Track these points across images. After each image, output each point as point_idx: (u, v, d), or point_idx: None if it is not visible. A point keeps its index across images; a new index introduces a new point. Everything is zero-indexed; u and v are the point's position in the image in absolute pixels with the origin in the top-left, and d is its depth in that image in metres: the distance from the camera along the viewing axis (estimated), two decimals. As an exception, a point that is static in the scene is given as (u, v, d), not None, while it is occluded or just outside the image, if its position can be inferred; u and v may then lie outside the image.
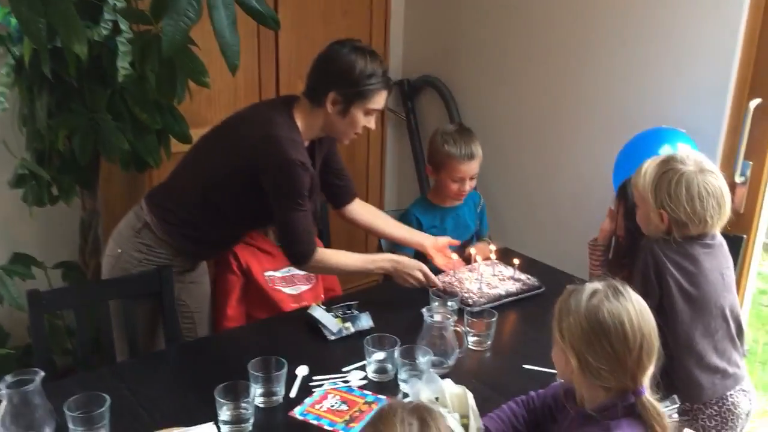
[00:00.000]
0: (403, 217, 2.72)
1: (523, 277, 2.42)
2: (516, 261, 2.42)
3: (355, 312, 2.10)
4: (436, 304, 2.11)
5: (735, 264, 2.41)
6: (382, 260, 2.23)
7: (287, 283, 2.35)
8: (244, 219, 2.13)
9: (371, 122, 2.09)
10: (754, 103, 2.43)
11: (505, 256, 2.55)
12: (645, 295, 1.83)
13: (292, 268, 2.37)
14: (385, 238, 2.58)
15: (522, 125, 3.19)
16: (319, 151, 2.19)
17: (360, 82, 1.98)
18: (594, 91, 2.88)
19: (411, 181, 3.69)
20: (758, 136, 2.48)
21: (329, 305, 2.12)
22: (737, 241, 2.42)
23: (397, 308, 2.20)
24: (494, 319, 2.03)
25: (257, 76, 2.75)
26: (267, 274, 2.32)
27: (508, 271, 2.45)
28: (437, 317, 1.92)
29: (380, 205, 3.33)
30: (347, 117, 2.02)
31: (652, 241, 1.88)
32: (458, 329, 1.95)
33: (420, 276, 2.21)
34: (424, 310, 1.94)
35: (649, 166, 1.90)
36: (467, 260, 2.50)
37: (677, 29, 2.57)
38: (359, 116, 2.03)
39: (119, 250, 2.10)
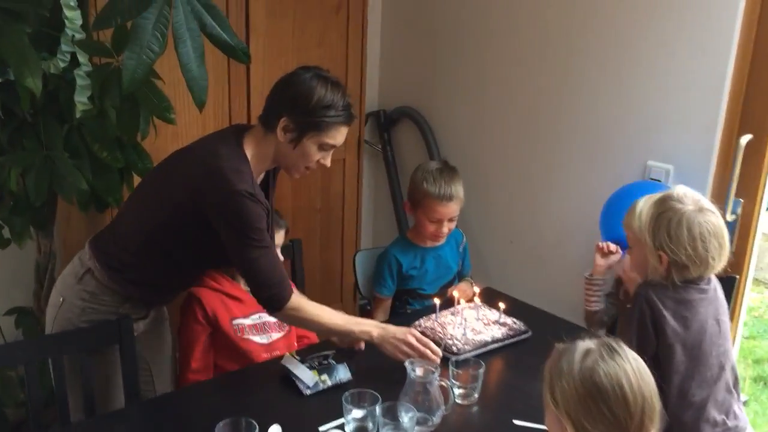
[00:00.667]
0: (382, 258, 2.60)
1: (509, 320, 2.30)
2: (501, 305, 2.30)
3: (333, 363, 1.95)
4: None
5: (728, 305, 2.33)
6: (368, 324, 2.01)
7: (258, 331, 2.20)
8: (194, 262, 1.97)
9: (326, 159, 1.93)
10: (745, 139, 2.35)
11: (489, 297, 2.43)
12: (641, 346, 1.73)
13: (263, 314, 2.22)
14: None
15: (504, 159, 3.09)
16: (273, 183, 2.05)
17: (316, 111, 1.82)
18: (579, 125, 2.79)
19: (387, 217, 3.56)
20: (749, 173, 2.40)
21: (304, 355, 1.97)
22: (730, 281, 2.33)
23: (378, 358, 2.05)
24: (482, 370, 1.90)
25: (227, 109, 2.62)
26: (235, 322, 2.16)
27: (493, 315, 2.33)
28: (419, 371, 1.78)
29: (355, 243, 3.19)
30: (299, 148, 1.85)
31: (647, 287, 1.77)
32: (443, 383, 1.81)
33: (413, 342, 1.95)
34: (407, 362, 1.80)
35: (644, 205, 1.80)
36: (449, 303, 2.37)
37: (665, 63, 2.48)
38: (312, 149, 1.86)
39: (61, 299, 1.94)
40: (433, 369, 1.78)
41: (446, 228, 2.51)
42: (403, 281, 2.58)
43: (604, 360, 1.29)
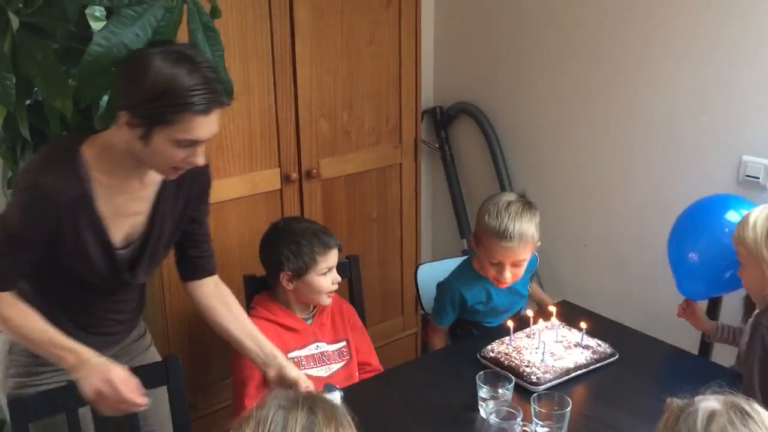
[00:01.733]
0: (444, 289, 2.29)
1: (593, 342, 2.06)
2: (583, 324, 2.06)
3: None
4: (485, 389, 1.76)
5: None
6: (65, 349, 1.52)
7: (316, 363, 2.02)
8: (66, 288, 1.63)
9: (195, 156, 1.49)
10: None
11: (567, 314, 2.19)
12: (766, 384, 1.48)
13: (320, 343, 2.04)
14: (225, 337, 1.82)
15: (575, 156, 2.83)
16: (174, 195, 1.64)
17: (154, 99, 1.39)
18: (661, 117, 2.51)
19: (447, 222, 3.34)
20: None
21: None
22: None
23: (433, 390, 1.88)
24: (569, 408, 1.67)
25: (275, 116, 2.43)
26: (291, 354, 1.98)
27: (574, 336, 2.09)
28: (498, 415, 1.56)
29: (416, 252, 2.98)
30: (150, 145, 1.44)
31: (762, 314, 1.51)
32: (527, 429, 1.59)
33: (117, 382, 1.48)
34: (483, 406, 1.59)
35: (759, 215, 1.53)
36: (523, 323, 2.14)
37: (758, 44, 2.19)
38: (166, 146, 1.44)
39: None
40: (516, 412, 1.56)
41: (509, 273, 2.13)
42: (466, 313, 2.31)
43: (734, 427, 1.05)
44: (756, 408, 1.08)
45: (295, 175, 2.52)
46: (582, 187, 2.82)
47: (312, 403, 1.09)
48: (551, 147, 2.90)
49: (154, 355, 1.88)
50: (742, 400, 1.09)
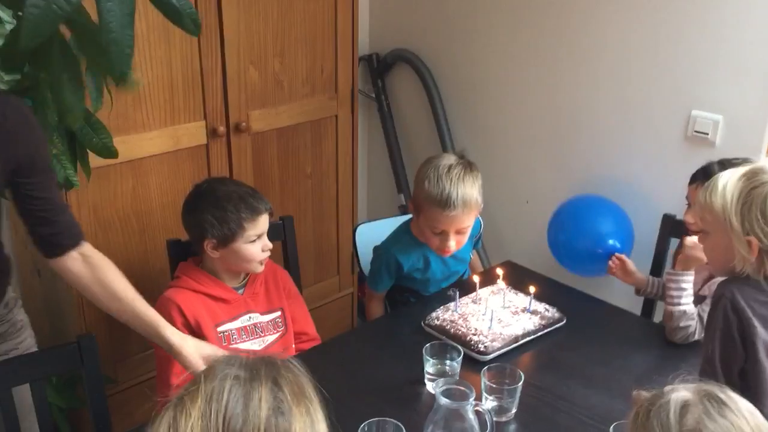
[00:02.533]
0: (380, 255, 2.15)
1: (540, 308, 1.98)
2: (532, 288, 1.97)
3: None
4: (432, 362, 1.67)
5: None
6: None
7: (249, 335, 1.86)
8: None
9: None
10: (814, 84, 1.99)
11: (513, 278, 2.09)
12: (726, 361, 1.41)
13: (253, 314, 1.88)
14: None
15: (519, 108, 2.71)
16: None
17: None
18: (609, 69, 2.41)
19: (385, 178, 3.20)
20: (815, 123, 2.06)
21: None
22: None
23: (376, 363, 1.78)
24: (521, 383, 1.59)
25: (198, 65, 2.21)
26: (222, 327, 1.82)
27: (521, 301, 2.01)
28: (450, 396, 1.45)
29: (352, 210, 2.84)
30: None
31: (731, 287, 1.43)
32: (480, 408, 1.49)
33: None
34: (433, 385, 1.47)
35: (728, 180, 1.43)
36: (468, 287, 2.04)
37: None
38: None
39: None
40: (468, 390, 1.46)
41: (454, 242, 2.02)
42: (403, 280, 2.18)
43: (711, 418, 0.96)
44: (731, 395, 0.99)
45: (222, 129, 2.31)
46: (526, 141, 2.72)
47: (276, 372, 0.90)
48: (494, 99, 2.78)
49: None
50: (715, 388, 1.00)
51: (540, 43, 2.57)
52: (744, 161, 1.92)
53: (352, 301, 2.95)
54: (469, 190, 1.96)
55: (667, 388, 1.04)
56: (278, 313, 1.96)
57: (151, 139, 2.16)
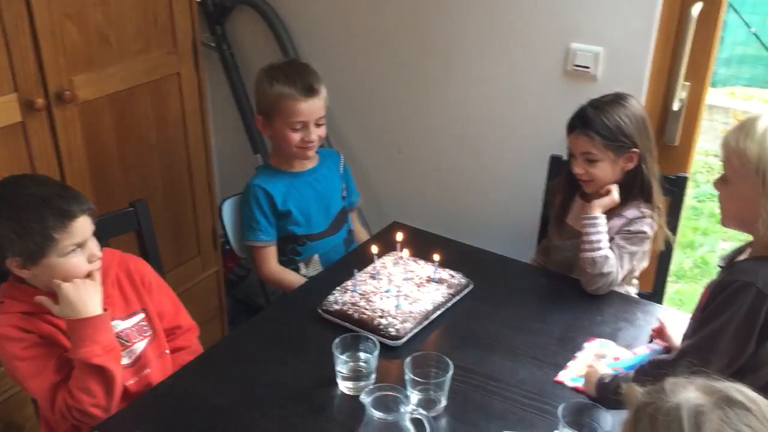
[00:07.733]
0: (246, 196, 2.04)
1: (446, 275, 1.80)
2: (436, 256, 1.78)
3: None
4: (343, 359, 1.47)
5: (678, 208, 1.99)
6: None
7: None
8: None
9: None
10: (697, 8, 1.91)
11: (412, 244, 1.89)
12: (736, 348, 1.27)
13: (113, 321, 1.53)
14: None
15: (384, 50, 2.46)
16: None
17: None
18: (480, 2, 2.21)
19: (236, 139, 2.85)
20: (696, 50, 2.00)
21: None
22: (680, 182, 1.98)
23: (274, 366, 1.54)
24: (451, 372, 1.40)
25: (7, 62, 1.76)
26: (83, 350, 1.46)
27: (423, 269, 1.82)
28: (383, 407, 1.23)
29: (209, 182, 2.49)
30: None
31: (764, 273, 1.24)
32: (419, 416, 1.28)
33: None
34: (362, 395, 1.25)
35: (764, 126, 1.23)
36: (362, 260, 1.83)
37: None
38: None
39: None
40: (403, 398, 1.25)
41: (315, 135, 1.99)
42: (281, 220, 2.04)
43: (733, 427, 0.83)
44: (750, 395, 0.85)
45: (40, 101, 1.87)
46: (394, 85, 2.48)
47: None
48: (355, 42, 2.50)
49: None
50: (730, 389, 0.86)
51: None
52: (616, 97, 1.82)
53: (217, 279, 2.63)
54: (316, 80, 1.99)
55: (669, 386, 0.89)
56: (141, 316, 1.62)
57: (-54, 121, 1.70)
